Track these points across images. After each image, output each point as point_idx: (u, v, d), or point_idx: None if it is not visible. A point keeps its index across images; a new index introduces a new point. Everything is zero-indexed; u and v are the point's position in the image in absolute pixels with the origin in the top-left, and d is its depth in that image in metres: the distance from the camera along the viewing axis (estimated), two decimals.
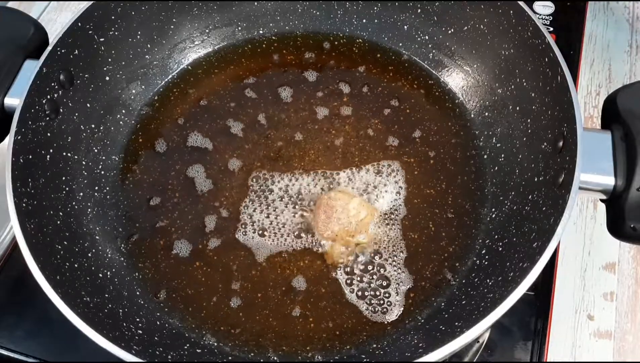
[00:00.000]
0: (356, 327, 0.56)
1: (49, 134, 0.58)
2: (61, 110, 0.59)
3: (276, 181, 0.63)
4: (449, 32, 0.68)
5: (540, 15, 0.86)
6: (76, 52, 0.60)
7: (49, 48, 0.57)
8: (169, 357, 0.51)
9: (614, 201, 0.50)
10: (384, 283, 0.57)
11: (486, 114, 0.66)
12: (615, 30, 0.88)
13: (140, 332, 0.53)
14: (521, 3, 0.58)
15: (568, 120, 0.51)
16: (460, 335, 0.44)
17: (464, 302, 0.55)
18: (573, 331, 0.66)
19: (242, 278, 0.59)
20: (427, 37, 0.70)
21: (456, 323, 0.50)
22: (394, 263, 0.58)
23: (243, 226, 0.61)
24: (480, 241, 0.59)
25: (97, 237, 0.60)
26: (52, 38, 0.58)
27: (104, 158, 0.65)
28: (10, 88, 0.57)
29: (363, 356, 0.54)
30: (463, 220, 0.61)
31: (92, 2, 0.60)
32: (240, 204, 0.62)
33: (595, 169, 0.50)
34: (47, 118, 0.58)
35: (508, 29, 0.61)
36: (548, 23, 0.86)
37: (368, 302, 0.57)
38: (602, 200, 0.52)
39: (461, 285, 0.57)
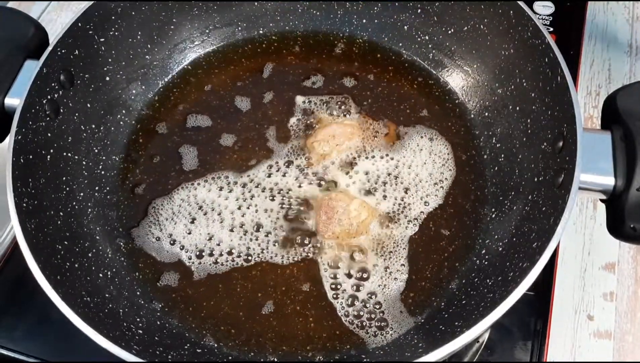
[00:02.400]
0: None
1: (49, 135, 0.58)
2: (61, 110, 0.59)
3: (276, 178, 0.63)
4: (449, 32, 0.68)
5: (540, 15, 0.86)
6: (76, 52, 0.60)
7: (49, 48, 0.57)
8: (169, 357, 0.52)
9: (614, 201, 0.50)
10: (380, 299, 0.57)
11: (486, 114, 0.66)
12: (615, 30, 0.88)
13: (140, 331, 0.53)
14: (521, 3, 0.58)
15: (568, 120, 0.51)
16: (460, 335, 0.44)
17: (463, 302, 0.55)
18: (573, 331, 0.66)
19: (242, 278, 0.59)
20: (427, 37, 0.70)
21: (456, 323, 0.51)
22: (394, 263, 0.58)
23: (243, 226, 0.61)
24: (480, 241, 0.59)
25: (97, 237, 0.60)
26: (53, 38, 0.58)
27: (104, 158, 0.65)
28: (10, 88, 0.57)
29: (363, 356, 0.54)
30: (463, 220, 0.61)
31: (92, 2, 0.60)
32: (241, 205, 0.62)
33: (595, 169, 0.50)
34: (48, 118, 0.58)
35: (508, 29, 0.61)
36: (548, 23, 0.86)
37: (363, 322, 0.57)
38: (602, 200, 0.52)
39: (461, 285, 0.57)
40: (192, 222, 0.61)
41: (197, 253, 0.60)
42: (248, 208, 0.62)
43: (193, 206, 0.62)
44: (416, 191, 0.62)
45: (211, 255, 0.59)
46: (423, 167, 0.63)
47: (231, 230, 0.60)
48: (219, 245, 0.60)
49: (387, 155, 0.64)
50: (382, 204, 0.61)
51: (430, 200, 0.62)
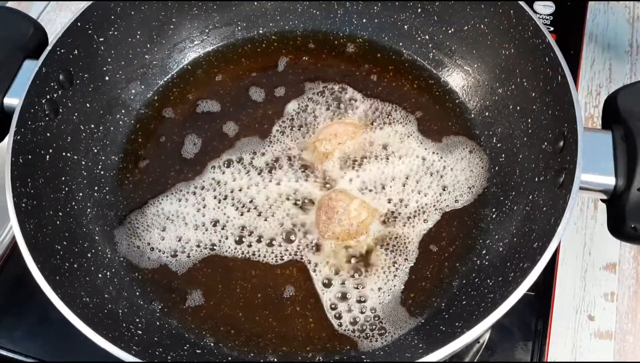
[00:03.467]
0: None
1: (48, 134, 0.58)
2: (61, 110, 0.59)
3: (275, 183, 0.63)
4: (449, 31, 0.68)
5: (540, 15, 0.86)
6: (76, 52, 0.60)
7: (49, 48, 0.57)
8: (169, 357, 0.51)
9: (615, 201, 0.50)
10: (379, 305, 0.57)
11: (486, 114, 0.66)
12: (616, 30, 0.88)
13: (139, 332, 0.53)
14: (521, 3, 0.58)
15: (568, 120, 0.51)
16: (460, 335, 0.44)
17: (464, 302, 0.55)
18: (573, 331, 0.66)
19: (241, 279, 0.58)
20: (427, 37, 0.70)
21: (456, 324, 0.50)
22: (394, 263, 0.58)
23: (243, 227, 0.61)
24: (480, 241, 0.59)
25: (96, 237, 0.60)
26: (52, 38, 0.58)
27: (103, 158, 0.65)
28: (9, 88, 0.57)
29: (363, 356, 0.54)
30: (463, 220, 0.61)
31: (91, 2, 0.60)
32: (241, 206, 0.62)
33: (595, 169, 0.50)
34: (47, 118, 0.57)
35: (508, 29, 0.61)
36: (548, 23, 0.86)
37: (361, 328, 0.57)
38: (602, 200, 0.52)
39: (461, 285, 0.57)
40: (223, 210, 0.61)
41: (237, 238, 0.60)
42: (262, 209, 0.62)
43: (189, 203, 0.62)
44: (453, 190, 0.62)
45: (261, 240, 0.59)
46: (462, 172, 0.63)
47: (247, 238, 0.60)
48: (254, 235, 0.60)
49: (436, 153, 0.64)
50: (382, 203, 0.61)
51: (462, 199, 0.62)
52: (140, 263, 0.60)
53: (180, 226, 0.61)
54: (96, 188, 0.63)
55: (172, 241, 0.60)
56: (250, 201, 0.62)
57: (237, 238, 0.60)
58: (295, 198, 0.62)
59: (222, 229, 0.61)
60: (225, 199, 0.62)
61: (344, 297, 0.57)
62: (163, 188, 0.64)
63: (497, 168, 0.63)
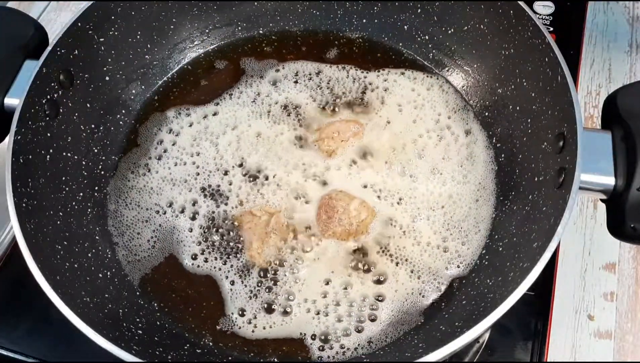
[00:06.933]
0: None
1: (48, 134, 0.58)
2: (61, 110, 0.59)
3: (275, 183, 0.63)
4: (449, 32, 0.68)
5: (540, 15, 0.86)
6: (76, 52, 0.60)
7: (49, 48, 0.57)
8: (169, 357, 0.51)
9: (614, 201, 0.50)
10: (379, 298, 0.57)
11: (486, 114, 0.66)
12: (615, 30, 0.88)
13: (140, 332, 0.53)
14: (521, 3, 0.58)
15: (568, 120, 0.51)
16: (460, 335, 0.44)
17: (464, 302, 0.55)
18: (573, 331, 0.66)
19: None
20: (427, 37, 0.70)
21: (456, 324, 0.50)
22: (394, 263, 0.58)
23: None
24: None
25: (96, 237, 0.60)
26: (52, 38, 0.58)
27: (103, 158, 0.65)
28: (10, 88, 0.57)
29: (363, 356, 0.54)
30: None
31: (92, 2, 0.60)
32: (241, 205, 0.62)
33: (595, 169, 0.50)
34: (47, 118, 0.57)
35: (508, 29, 0.61)
36: (548, 23, 0.86)
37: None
38: (602, 200, 0.52)
39: (461, 285, 0.57)
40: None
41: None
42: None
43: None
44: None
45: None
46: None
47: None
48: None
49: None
50: (382, 203, 0.61)
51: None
52: (140, 263, 0.60)
53: (181, 225, 0.61)
54: (96, 188, 0.63)
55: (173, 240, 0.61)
56: (247, 200, 0.62)
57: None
58: (295, 197, 0.62)
59: (218, 231, 0.61)
60: (228, 199, 0.62)
61: (343, 297, 0.57)
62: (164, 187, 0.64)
63: (497, 168, 0.63)
